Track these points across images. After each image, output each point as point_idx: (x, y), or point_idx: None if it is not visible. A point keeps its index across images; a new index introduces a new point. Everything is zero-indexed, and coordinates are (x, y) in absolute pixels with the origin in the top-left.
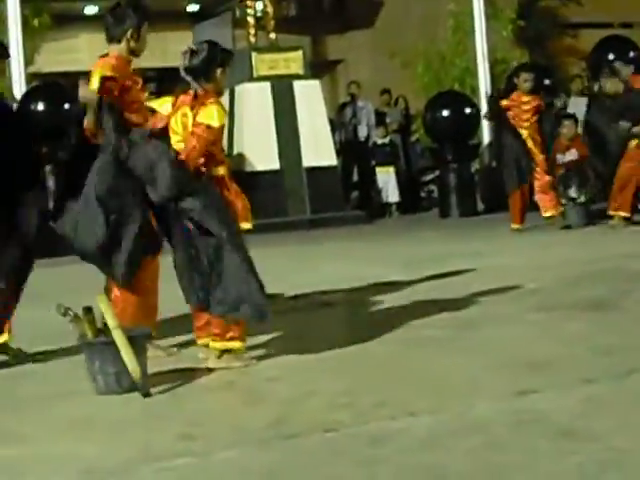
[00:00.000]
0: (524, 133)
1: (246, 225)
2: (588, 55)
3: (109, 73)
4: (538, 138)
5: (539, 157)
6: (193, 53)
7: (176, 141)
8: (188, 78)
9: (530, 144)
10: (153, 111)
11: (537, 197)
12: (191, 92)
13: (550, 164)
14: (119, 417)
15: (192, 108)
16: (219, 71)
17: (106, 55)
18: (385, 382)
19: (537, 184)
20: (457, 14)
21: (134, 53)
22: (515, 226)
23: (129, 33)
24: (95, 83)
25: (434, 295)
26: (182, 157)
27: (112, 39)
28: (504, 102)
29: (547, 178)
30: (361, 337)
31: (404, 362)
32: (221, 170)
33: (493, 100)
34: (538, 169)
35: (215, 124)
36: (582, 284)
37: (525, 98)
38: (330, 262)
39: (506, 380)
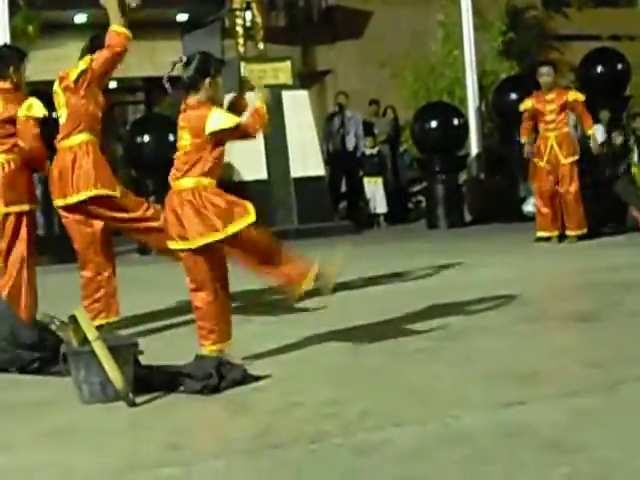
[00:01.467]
0: (550, 136)
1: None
2: (577, 67)
3: None
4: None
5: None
6: (185, 64)
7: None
8: (167, 85)
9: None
10: None
11: None
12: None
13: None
14: (104, 426)
15: (182, 119)
16: (207, 81)
17: None
18: (372, 392)
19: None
20: (446, 25)
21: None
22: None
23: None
24: None
25: (421, 305)
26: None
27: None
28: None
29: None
30: (348, 347)
31: (391, 372)
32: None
33: None
34: None
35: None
36: (570, 296)
37: (549, 96)
38: None
39: (493, 391)
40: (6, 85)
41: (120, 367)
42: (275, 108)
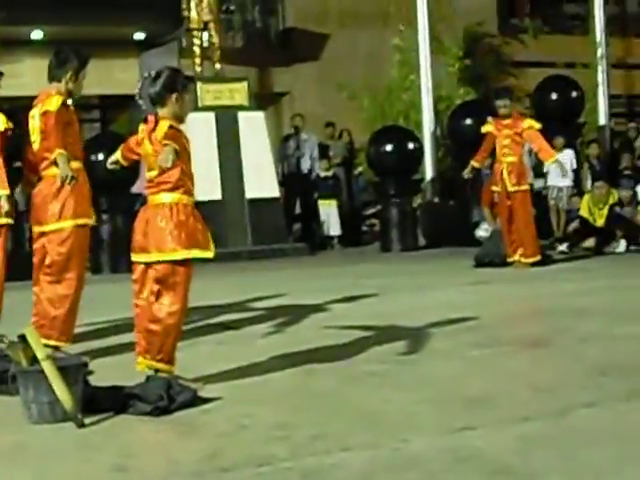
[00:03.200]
0: (503, 162)
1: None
2: (532, 93)
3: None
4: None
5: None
6: (153, 79)
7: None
8: (141, 102)
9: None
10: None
11: None
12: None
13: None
14: (52, 447)
15: (149, 134)
16: (174, 97)
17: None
18: (322, 416)
19: None
20: (403, 49)
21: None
22: None
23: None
24: None
25: (373, 329)
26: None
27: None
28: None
29: None
30: (299, 370)
31: (342, 396)
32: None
33: None
34: None
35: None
36: (521, 321)
37: (505, 121)
38: (268, 293)
39: (443, 416)
40: None
41: (69, 387)
42: (231, 129)
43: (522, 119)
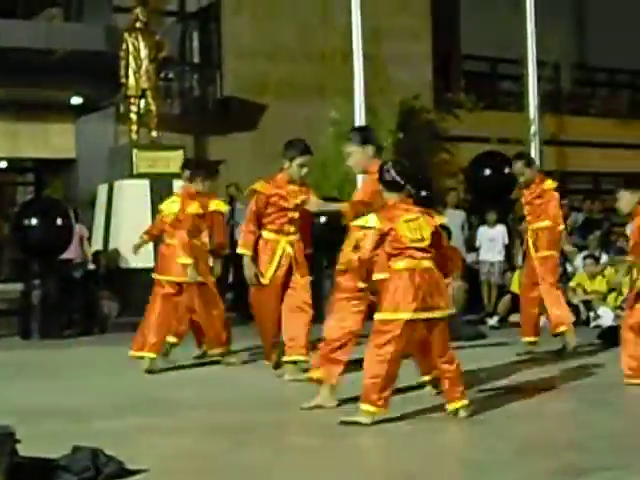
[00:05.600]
0: None
1: None
2: (465, 168)
3: None
4: None
5: None
6: None
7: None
8: None
9: None
10: None
11: None
12: None
13: None
14: None
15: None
16: None
17: None
18: None
19: None
20: (338, 122)
21: None
22: None
23: None
24: None
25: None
26: None
27: None
28: None
29: None
30: (229, 441)
31: (271, 469)
32: None
33: None
34: None
35: None
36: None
37: None
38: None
39: None
40: None
41: None
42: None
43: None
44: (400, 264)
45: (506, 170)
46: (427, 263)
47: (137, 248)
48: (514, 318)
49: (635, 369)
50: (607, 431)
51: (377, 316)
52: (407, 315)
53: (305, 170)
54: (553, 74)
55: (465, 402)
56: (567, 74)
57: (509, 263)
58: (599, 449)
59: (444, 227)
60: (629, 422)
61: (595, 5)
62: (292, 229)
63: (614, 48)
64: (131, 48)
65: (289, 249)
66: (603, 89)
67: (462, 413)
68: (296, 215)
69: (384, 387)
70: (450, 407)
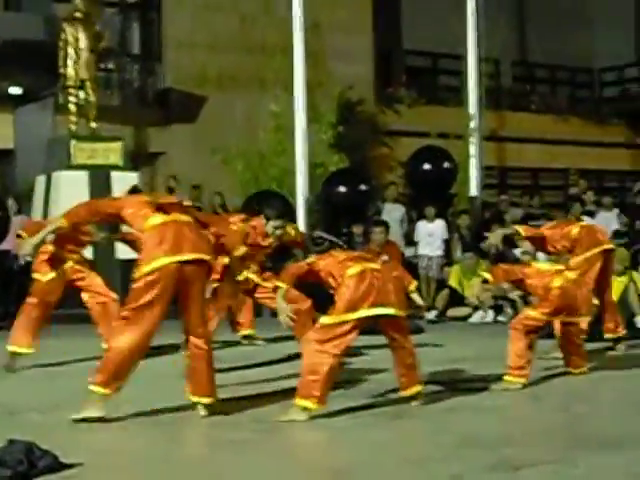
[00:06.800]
0: None
1: None
2: (405, 163)
3: None
4: None
5: None
6: None
7: None
8: None
9: None
10: None
11: None
12: None
13: None
14: None
15: None
16: None
17: None
18: None
19: None
20: (278, 115)
21: None
22: None
23: None
24: None
25: (245, 394)
26: None
27: None
28: None
29: None
30: (165, 436)
31: (208, 464)
32: None
33: None
34: None
35: None
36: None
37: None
38: None
39: None
40: None
41: None
42: (103, 188)
43: None
44: (351, 270)
45: (445, 164)
46: (376, 265)
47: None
48: (452, 312)
49: (514, 367)
50: (544, 426)
51: (327, 319)
52: (357, 314)
53: (280, 232)
54: (493, 70)
55: (421, 387)
56: (507, 70)
57: (448, 258)
58: (536, 443)
59: (382, 222)
60: (565, 416)
61: (536, 2)
62: None
63: (554, 45)
64: (70, 38)
65: None
66: (543, 85)
67: (420, 398)
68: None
69: (325, 384)
70: (407, 392)
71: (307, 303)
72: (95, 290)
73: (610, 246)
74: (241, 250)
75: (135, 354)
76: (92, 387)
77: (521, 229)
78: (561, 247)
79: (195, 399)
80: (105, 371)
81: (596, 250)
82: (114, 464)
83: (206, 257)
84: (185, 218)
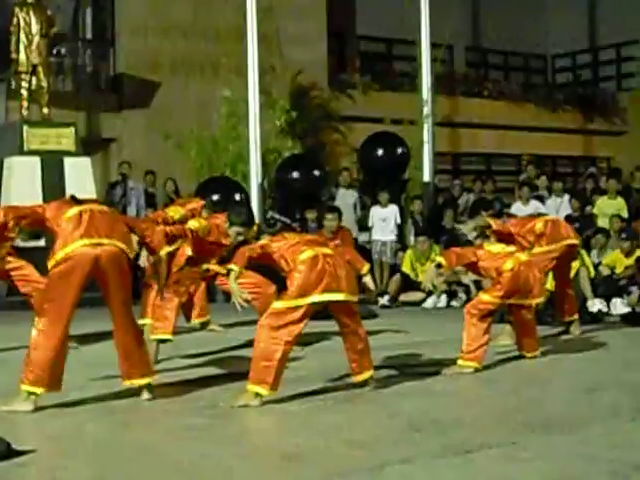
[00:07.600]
0: None
1: None
2: (358, 149)
3: None
4: None
5: None
6: None
7: None
8: None
9: None
10: None
11: None
12: None
13: None
14: None
15: None
16: None
17: None
18: (137, 470)
19: None
20: (231, 100)
21: None
22: None
23: None
24: None
25: (197, 380)
26: None
27: None
28: None
29: None
30: (115, 422)
31: (158, 449)
32: None
33: None
34: None
35: None
36: (339, 375)
37: None
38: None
39: (258, 472)
40: None
41: None
42: (56, 174)
43: None
44: (304, 255)
45: (399, 150)
46: (328, 250)
47: None
48: (404, 297)
49: (468, 351)
50: (495, 409)
51: (279, 304)
52: (309, 299)
53: (241, 238)
54: (447, 56)
55: (372, 372)
56: (461, 56)
57: (401, 243)
58: (487, 426)
59: (335, 208)
60: (516, 400)
61: None
62: None
63: (508, 31)
64: (22, 23)
65: None
66: (496, 71)
67: (371, 383)
68: None
69: (277, 370)
70: (359, 378)
71: (272, 288)
72: (31, 279)
73: (574, 241)
74: (165, 250)
75: (60, 352)
76: (22, 385)
77: (492, 221)
78: (527, 243)
79: (135, 382)
80: (32, 370)
81: (559, 244)
82: (66, 450)
83: (121, 245)
84: (102, 207)
